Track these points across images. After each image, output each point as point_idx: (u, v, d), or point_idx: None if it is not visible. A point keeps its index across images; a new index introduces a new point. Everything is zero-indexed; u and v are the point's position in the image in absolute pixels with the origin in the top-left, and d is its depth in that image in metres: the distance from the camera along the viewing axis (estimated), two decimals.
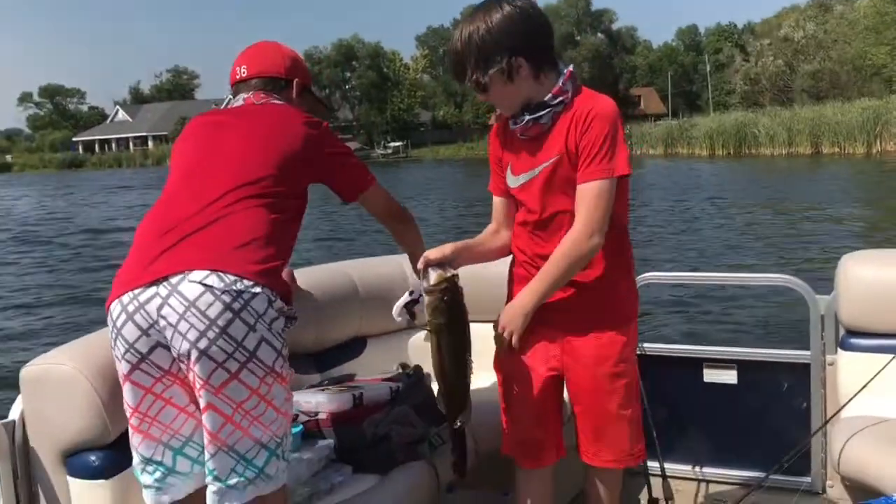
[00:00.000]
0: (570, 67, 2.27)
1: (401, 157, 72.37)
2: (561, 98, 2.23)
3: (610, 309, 2.33)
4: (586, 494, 2.60)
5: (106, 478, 2.16)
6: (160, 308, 1.86)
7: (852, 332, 2.95)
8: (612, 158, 2.18)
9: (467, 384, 2.28)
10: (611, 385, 2.34)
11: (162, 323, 1.87)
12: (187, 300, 1.83)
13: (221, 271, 1.86)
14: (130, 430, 2.02)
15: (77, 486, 2.20)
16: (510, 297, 2.42)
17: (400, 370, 2.93)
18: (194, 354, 1.83)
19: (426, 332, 2.24)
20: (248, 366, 1.86)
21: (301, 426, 2.46)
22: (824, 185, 24.57)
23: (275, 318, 1.92)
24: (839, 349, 2.99)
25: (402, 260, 3.46)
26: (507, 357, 2.40)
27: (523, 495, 2.49)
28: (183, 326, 1.84)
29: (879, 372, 2.59)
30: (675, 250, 13.02)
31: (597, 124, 2.18)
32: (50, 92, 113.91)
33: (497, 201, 2.49)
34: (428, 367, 2.93)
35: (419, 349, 3.30)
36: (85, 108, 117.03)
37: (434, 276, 2.18)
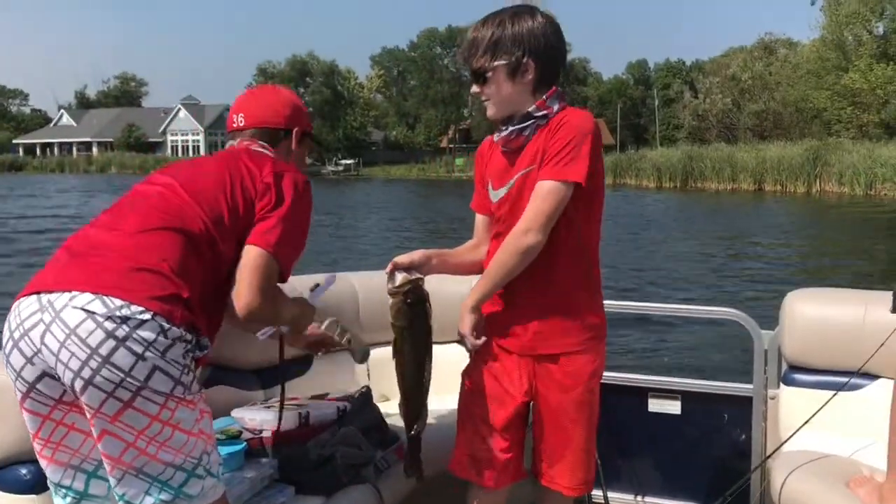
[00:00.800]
0: (559, 90, 2.31)
1: (352, 174, 72.35)
2: (544, 112, 2.27)
3: (578, 332, 2.33)
4: None
5: (37, 493, 2.08)
6: (43, 336, 1.75)
7: (795, 368, 3.01)
8: (569, 164, 2.19)
9: (425, 391, 2.29)
10: (576, 413, 2.35)
11: (45, 352, 1.75)
12: (68, 327, 1.72)
13: (107, 296, 1.73)
14: (36, 454, 1.91)
15: (7, 500, 2.11)
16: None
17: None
18: (79, 385, 1.72)
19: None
20: (143, 394, 1.73)
21: (245, 444, 2.40)
22: (769, 221, 25.23)
23: (169, 346, 1.77)
24: (781, 384, 3.04)
25: (352, 277, 3.46)
26: (476, 375, 2.41)
27: None
28: (64, 355, 1.72)
29: (821, 408, 2.64)
30: (622, 280, 13.18)
31: (563, 131, 2.21)
32: None
33: (479, 219, 2.53)
34: (376, 387, 2.91)
35: (366, 368, 3.27)
36: (27, 110, 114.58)
37: (399, 278, 2.21)
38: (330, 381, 3.07)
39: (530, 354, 2.35)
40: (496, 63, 2.25)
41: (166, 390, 1.76)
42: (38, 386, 1.82)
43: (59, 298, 1.75)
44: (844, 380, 2.78)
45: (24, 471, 2.09)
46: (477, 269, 2.49)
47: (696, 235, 20.85)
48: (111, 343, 1.70)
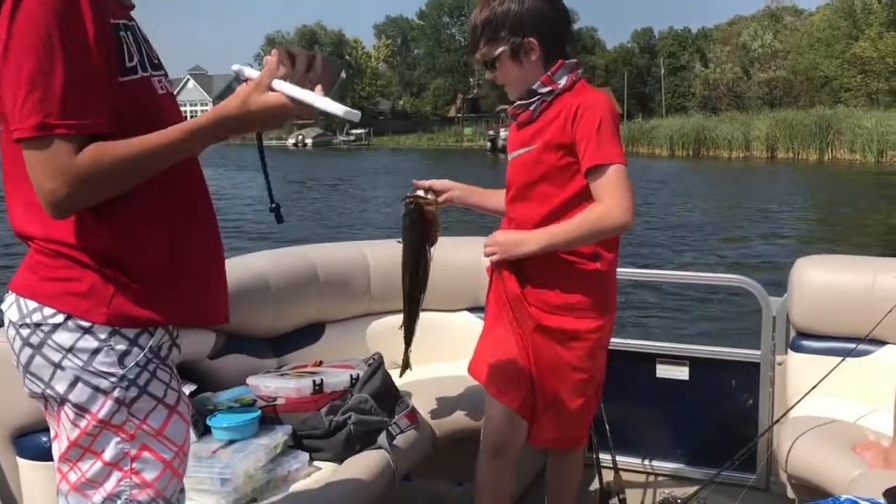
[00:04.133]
0: (566, 60, 2.26)
1: (363, 144, 72.67)
2: (550, 88, 2.25)
3: (581, 294, 2.31)
4: (547, 478, 2.67)
5: None
6: None
7: (803, 334, 3.04)
8: (612, 146, 2.18)
9: (418, 290, 2.41)
10: (570, 371, 2.35)
11: None
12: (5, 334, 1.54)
13: (24, 296, 1.48)
14: None
15: (27, 467, 2.16)
16: (490, 282, 2.48)
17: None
18: None
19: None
20: (65, 410, 1.47)
21: (259, 411, 2.44)
22: (780, 189, 25.14)
23: (96, 350, 1.45)
24: (789, 350, 3.07)
25: (364, 246, 3.48)
26: (493, 307, 2.45)
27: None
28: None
29: (828, 374, 2.66)
30: (632, 247, 13.17)
31: (590, 114, 2.19)
32: None
33: None
34: (387, 354, 2.95)
35: (377, 335, 3.32)
36: None
37: (413, 192, 2.38)
38: (342, 348, 3.11)
39: (534, 311, 2.34)
40: (498, 50, 2.25)
41: (92, 409, 1.46)
42: None
43: (4, 299, 1.56)
44: (852, 346, 2.80)
45: (44, 438, 2.13)
46: (500, 213, 2.51)
47: (706, 202, 20.81)
48: (28, 351, 1.48)
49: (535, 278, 2.33)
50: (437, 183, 2.44)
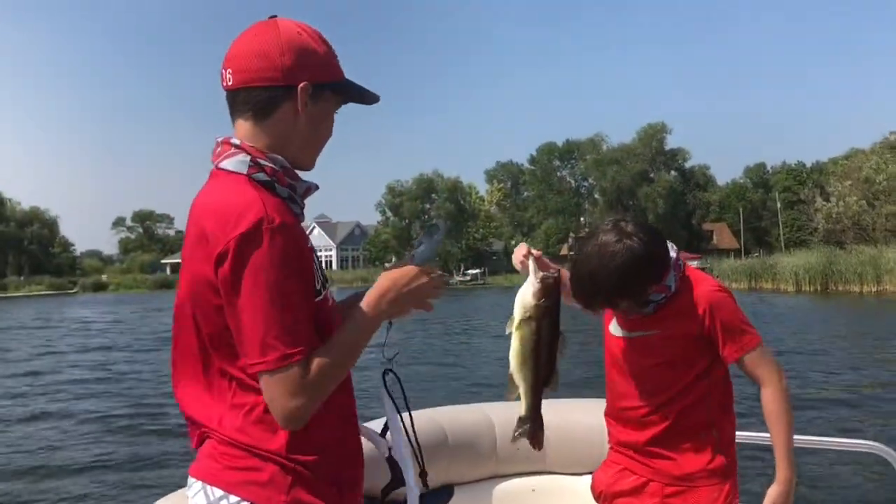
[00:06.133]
0: (672, 257, 2.35)
1: (478, 283, 76.13)
2: (664, 294, 2.35)
3: (701, 468, 2.37)
4: None
5: None
6: None
7: None
8: (746, 330, 2.34)
9: (556, 357, 2.21)
10: None
11: None
12: None
13: (209, 483, 1.66)
14: None
15: None
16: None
17: None
18: None
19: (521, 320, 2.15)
20: None
21: None
22: None
23: None
24: None
25: (488, 409, 3.59)
26: None
27: None
28: None
29: None
30: (747, 401, 12.48)
31: (717, 311, 2.33)
32: (142, 217, 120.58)
33: None
34: None
35: (504, 499, 3.38)
36: (172, 232, 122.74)
37: (545, 269, 2.23)
38: None
39: (657, 485, 2.42)
40: (623, 306, 2.37)
41: None
42: None
43: (190, 484, 1.72)
44: None
45: None
46: None
47: (831, 346, 19.48)
48: None
49: (654, 453, 2.41)
50: (535, 252, 2.31)
